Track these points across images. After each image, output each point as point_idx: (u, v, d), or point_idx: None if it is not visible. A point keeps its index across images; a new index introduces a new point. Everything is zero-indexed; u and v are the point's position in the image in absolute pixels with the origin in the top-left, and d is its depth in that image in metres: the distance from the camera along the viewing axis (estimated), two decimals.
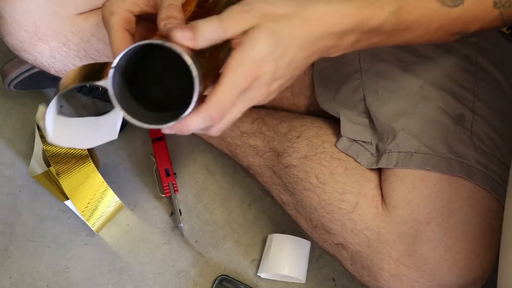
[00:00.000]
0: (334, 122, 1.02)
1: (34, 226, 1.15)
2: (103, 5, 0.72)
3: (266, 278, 1.12)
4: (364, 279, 0.93)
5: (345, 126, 0.98)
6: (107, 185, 1.09)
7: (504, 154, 0.93)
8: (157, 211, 1.18)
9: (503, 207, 0.87)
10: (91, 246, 1.14)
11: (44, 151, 1.14)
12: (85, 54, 0.99)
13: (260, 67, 0.66)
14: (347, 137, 0.97)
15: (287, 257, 1.10)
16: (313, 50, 0.70)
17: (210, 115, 0.64)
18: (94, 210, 1.10)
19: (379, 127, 0.96)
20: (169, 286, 1.12)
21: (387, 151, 0.93)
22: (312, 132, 1.00)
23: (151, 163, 1.20)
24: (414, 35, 0.78)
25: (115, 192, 1.10)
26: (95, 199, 1.09)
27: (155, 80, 0.70)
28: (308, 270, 1.12)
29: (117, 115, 0.71)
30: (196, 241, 1.15)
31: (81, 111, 1.24)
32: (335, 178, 0.95)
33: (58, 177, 1.07)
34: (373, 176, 0.95)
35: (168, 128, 0.65)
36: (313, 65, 1.09)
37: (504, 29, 1.01)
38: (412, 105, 0.95)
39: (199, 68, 0.63)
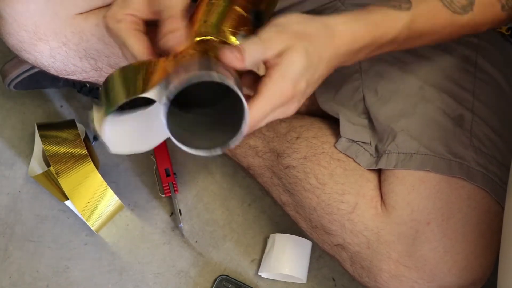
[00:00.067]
0: (333, 123, 1.02)
1: (34, 226, 1.15)
2: (104, 16, 0.72)
3: (266, 278, 1.12)
4: (364, 279, 0.93)
5: (344, 126, 0.98)
6: (107, 185, 1.09)
7: (503, 155, 0.93)
8: (157, 211, 1.18)
9: (502, 208, 0.87)
10: (91, 246, 1.15)
11: (44, 151, 1.14)
12: (85, 54, 0.99)
13: (295, 86, 0.68)
14: (347, 138, 0.97)
15: (288, 257, 1.10)
16: (333, 65, 0.73)
17: (245, 134, 0.66)
18: (94, 209, 1.10)
19: (379, 128, 0.96)
20: (169, 286, 1.12)
21: (386, 152, 0.93)
22: (311, 133, 1.00)
23: (151, 163, 1.20)
24: (425, 42, 0.82)
25: (115, 192, 1.10)
26: (94, 199, 1.09)
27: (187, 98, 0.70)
28: (309, 270, 1.12)
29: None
30: (196, 241, 1.15)
31: (81, 111, 1.24)
32: (334, 179, 0.95)
33: (58, 176, 1.07)
34: (373, 177, 0.95)
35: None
36: None
37: (503, 30, 1.01)
38: (411, 106, 0.95)
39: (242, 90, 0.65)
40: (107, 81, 0.67)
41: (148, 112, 0.72)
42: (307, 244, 1.11)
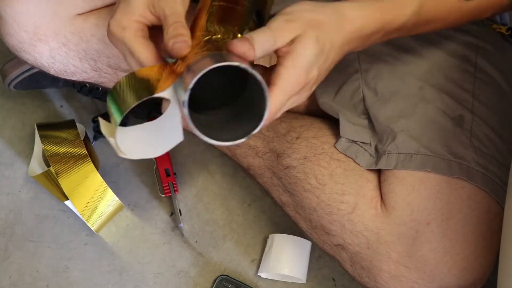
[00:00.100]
0: (333, 123, 1.02)
1: (34, 226, 1.15)
2: (108, 24, 0.71)
3: (266, 278, 1.12)
4: (364, 280, 0.93)
5: (344, 126, 0.98)
6: (106, 185, 1.09)
7: (503, 155, 0.93)
8: (157, 211, 1.18)
9: (502, 209, 0.87)
10: (91, 246, 1.15)
11: (44, 151, 1.14)
12: (84, 55, 0.99)
13: (308, 74, 0.68)
14: (346, 138, 0.97)
15: (288, 257, 1.10)
16: (344, 51, 0.74)
17: (266, 124, 0.67)
18: (94, 209, 1.10)
19: (379, 128, 0.96)
20: (169, 286, 1.12)
21: (386, 152, 0.93)
22: (311, 133, 1.00)
23: (151, 163, 1.20)
24: (432, 28, 0.83)
25: (115, 192, 1.10)
26: (94, 199, 1.09)
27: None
28: (308, 270, 1.12)
29: (174, 117, 0.71)
30: (196, 241, 1.15)
31: (81, 111, 1.24)
32: (334, 179, 0.95)
33: (57, 176, 1.07)
34: (372, 177, 0.95)
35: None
36: None
37: (503, 30, 1.01)
38: (411, 106, 0.95)
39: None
40: (115, 88, 0.67)
41: (158, 121, 0.72)
42: (307, 244, 1.11)
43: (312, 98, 1.08)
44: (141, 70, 0.69)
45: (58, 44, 0.97)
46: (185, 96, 0.64)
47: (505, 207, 0.77)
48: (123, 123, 0.67)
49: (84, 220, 1.10)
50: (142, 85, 0.67)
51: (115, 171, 1.20)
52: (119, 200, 1.11)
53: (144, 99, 0.65)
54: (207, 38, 0.72)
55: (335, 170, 0.96)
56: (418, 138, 0.92)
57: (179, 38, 0.67)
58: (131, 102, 0.65)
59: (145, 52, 0.70)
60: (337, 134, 0.99)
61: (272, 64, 0.72)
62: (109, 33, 0.72)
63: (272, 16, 0.72)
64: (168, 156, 1.19)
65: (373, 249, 0.91)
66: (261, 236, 1.16)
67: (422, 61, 0.98)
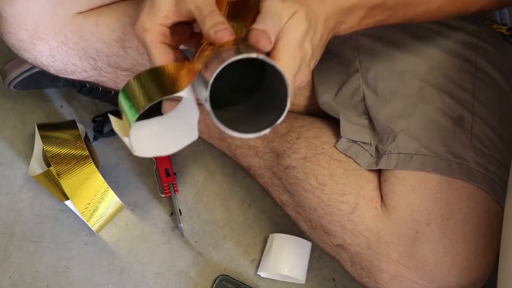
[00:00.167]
0: (333, 123, 1.01)
1: (34, 226, 1.15)
2: (135, 23, 0.72)
3: (266, 278, 1.12)
4: (364, 280, 0.93)
5: (344, 126, 0.98)
6: (108, 186, 1.09)
7: (503, 155, 0.92)
8: (157, 211, 1.18)
9: (502, 209, 0.87)
10: (91, 246, 1.14)
11: (44, 151, 1.14)
12: (84, 53, 0.99)
13: (302, 49, 0.69)
14: (347, 138, 0.97)
15: (287, 257, 1.10)
16: (329, 27, 0.74)
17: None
18: (95, 210, 1.10)
19: (379, 128, 0.96)
20: (169, 286, 1.12)
21: (386, 152, 0.93)
22: (311, 133, 1.00)
23: (151, 163, 1.20)
24: (417, 13, 0.82)
25: (115, 192, 1.10)
26: (95, 200, 1.09)
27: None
28: (308, 270, 1.12)
29: (188, 114, 0.71)
30: (196, 241, 1.15)
31: (81, 111, 1.24)
32: (334, 179, 0.95)
33: (59, 177, 1.07)
34: (373, 177, 0.95)
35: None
36: None
37: (503, 30, 1.01)
38: (411, 106, 0.95)
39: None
40: (129, 86, 0.67)
41: (170, 117, 0.73)
42: (307, 244, 1.11)
43: (312, 98, 1.08)
44: (159, 67, 0.69)
45: (58, 43, 0.97)
46: (206, 92, 0.65)
47: (505, 207, 0.77)
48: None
49: (85, 221, 1.10)
50: (159, 84, 0.67)
51: (115, 171, 1.20)
52: (120, 201, 1.11)
53: (161, 98, 0.66)
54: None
55: (336, 170, 0.96)
56: (418, 138, 0.92)
57: (220, 26, 0.67)
58: (147, 101, 0.65)
59: (161, 59, 0.71)
60: (337, 134, 0.99)
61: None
62: (134, 33, 0.73)
63: None
64: (168, 156, 1.19)
65: (373, 249, 0.91)
66: (261, 236, 1.16)
67: (422, 61, 0.98)
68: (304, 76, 0.73)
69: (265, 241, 1.15)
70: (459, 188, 0.89)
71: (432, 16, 0.85)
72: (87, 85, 1.15)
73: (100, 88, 1.15)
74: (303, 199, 0.98)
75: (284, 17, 0.69)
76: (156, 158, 1.18)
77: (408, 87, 0.97)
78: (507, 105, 0.97)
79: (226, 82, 0.72)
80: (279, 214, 1.16)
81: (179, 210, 1.16)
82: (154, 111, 1.17)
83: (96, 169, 1.09)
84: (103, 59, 1.00)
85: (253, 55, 0.64)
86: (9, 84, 1.18)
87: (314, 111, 1.09)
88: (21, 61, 1.13)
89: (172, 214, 1.17)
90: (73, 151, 1.09)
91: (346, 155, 0.97)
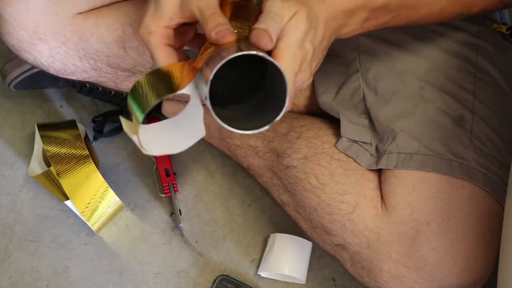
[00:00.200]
0: (334, 123, 1.02)
1: (34, 226, 1.15)
2: (139, 25, 0.73)
3: (266, 278, 1.12)
4: (364, 279, 0.93)
5: (345, 126, 0.98)
6: (108, 186, 1.09)
7: (504, 155, 0.92)
8: (157, 211, 1.17)
9: (503, 208, 0.87)
10: (91, 246, 1.14)
11: (44, 151, 1.14)
12: (84, 54, 0.99)
13: (302, 49, 0.70)
14: (347, 138, 0.97)
15: (288, 257, 1.10)
16: (331, 29, 0.74)
17: (287, 107, 0.68)
18: (94, 210, 1.10)
19: (379, 128, 0.96)
20: (169, 286, 1.12)
21: (387, 152, 0.93)
22: (311, 133, 1.00)
23: (151, 163, 1.20)
24: (419, 15, 0.82)
25: (115, 192, 1.10)
26: (95, 200, 1.09)
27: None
28: (309, 270, 1.12)
29: (195, 113, 0.74)
30: (196, 241, 1.15)
31: (81, 111, 1.24)
32: (334, 179, 0.95)
33: (59, 177, 1.07)
34: (373, 177, 0.95)
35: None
36: None
37: (503, 30, 1.01)
38: (412, 106, 0.95)
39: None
40: (136, 86, 0.69)
41: (179, 117, 0.74)
42: (307, 244, 1.11)
43: (313, 98, 1.08)
44: (162, 68, 0.70)
45: (57, 43, 0.97)
46: (206, 88, 0.66)
47: (505, 206, 0.77)
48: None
49: (85, 221, 1.10)
50: (163, 82, 0.68)
51: (115, 171, 1.20)
52: (119, 200, 1.11)
53: (166, 96, 0.67)
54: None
55: (336, 170, 0.96)
56: (419, 138, 0.92)
57: (221, 27, 0.68)
58: (153, 99, 0.67)
59: (165, 61, 0.72)
60: (337, 134, 0.99)
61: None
62: (140, 35, 0.74)
63: None
64: (168, 156, 1.19)
65: (373, 249, 0.91)
66: (261, 236, 1.16)
67: (423, 61, 0.98)
68: (306, 77, 0.73)
69: (265, 241, 1.15)
70: (460, 188, 0.89)
71: (434, 18, 0.85)
72: (87, 85, 1.15)
73: (100, 88, 1.15)
74: (303, 198, 0.98)
75: (285, 17, 0.69)
76: (156, 158, 1.18)
77: (408, 87, 0.97)
78: (507, 105, 0.97)
79: (228, 82, 0.73)
80: (279, 214, 1.16)
81: (179, 210, 1.16)
82: (154, 112, 1.17)
83: (96, 169, 1.09)
84: (103, 60, 1.00)
85: (253, 52, 0.65)
86: (9, 84, 1.18)
87: (314, 111, 1.09)
88: (21, 61, 1.13)
89: (172, 214, 1.17)
90: (73, 151, 1.09)
91: (347, 154, 0.97)
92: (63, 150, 1.09)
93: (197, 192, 1.19)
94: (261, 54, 0.65)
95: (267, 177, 1.06)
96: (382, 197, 0.93)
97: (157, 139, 0.74)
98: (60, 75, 1.02)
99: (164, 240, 1.15)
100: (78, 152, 1.09)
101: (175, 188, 1.17)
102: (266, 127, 0.68)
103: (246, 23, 0.74)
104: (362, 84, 1.00)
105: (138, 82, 0.69)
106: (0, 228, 1.15)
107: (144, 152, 0.72)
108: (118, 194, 1.11)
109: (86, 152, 1.09)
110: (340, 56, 1.05)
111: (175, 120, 0.75)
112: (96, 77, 1.04)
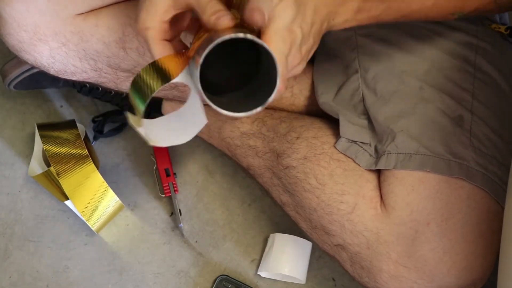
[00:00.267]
0: (333, 123, 1.02)
1: (34, 226, 1.16)
2: (136, 20, 0.74)
3: (266, 278, 1.12)
4: (364, 280, 0.93)
5: (344, 127, 0.98)
6: (107, 185, 1.09)
7: (503, 155, 0.92)
8: (157, 211, 1.18)
9: (502, 208, 0.87)
10: (91, 246, 1.15)
11: (44, 151, 1.14)
12: (84, 54, 0.99)
13: (291, 31, 0.70)
14: (346, 138, 0.97)
15: (288, 257, 1.10)
16: (321, 15, 0.74)
17: (280, 90, 0.69)
18: (94, 210, 1.10)
19: (378, 129, 0.96)
20: (169, 286, 1.12)
21: (386, 152, 0.93)
22: (311, 133, 1.00)
23: (151, 163, 1.20)
24: (411, 9, 0.82)
25: (115, 192, 1.10)
26: (95, 199, 1.09)
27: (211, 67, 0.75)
28: (308, 270, 1.12)
29: (196, 104, 0.76)
30: (196, 241, 1.15)
31: (81, 111, 1.24)
32: (334, 179, 0.95)
33: (58, 177, 1.07)
34: (372, 177, 0.95)
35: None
36: (313, 65, 1.09)
37: (502, 30, 1.01)
38: (411, 107, 0.95)
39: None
40: (135, 80, 0.71)
41: (182, 110, 0.77)
42: (307, 244, 1.11)
43: (312, 98, 1.09)
44: (158, 60, 0.72)
45: (58, 44, 0.97)
46: (197, 72, 0.67)
47: (505, 207, 0.77)
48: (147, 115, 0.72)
49: (85, 220, 1.10)
50: (158, 73, 0.70)
51: (115, 171, 1.20)
52: (119, 200, 1.11)
53: (161, 86, 0.69)
54: None
55: (335, 170, 0.96)
56: (418, 138, 0.92)
57: (220, 13, 0.69)
58: (150, 91, 0.69)
59: (160, 54, 0.73)
60: (337, 134, 0.99)
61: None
62: (137, 31, 0.75)
63: None
64: (168, 156, 1.19)
65: (372, 249, 0.91)
66: (261, 236, 1.16)
67: (422, 61, 0.98)
68: (296, 61, 0.73)
69: (265, 241, 1.15)
70: (459, 188, 0.89)
71: (428, 14, 0.85)
72: (87, 85, 1.15)
73: (100, 88, 1.15)
74: (303, 199, 0.98)
75: (274, 1, 0.70)
76: (156, 158, 1.18)
77: (408, 87, 0.97)
78: (507, 105, 0.97)
79: (225, 73, 0.76)
80: (279, 214, 1.16)
81: (179, 210, 1.16)
82: (155, 112, 1.17)
83: (96, 169, 1.09)
84: (103, 60, 1.00)
85: (241, 35, 0.66)
86: (9, 84, 1.18)
87: (314, 111, 1.09)
88: (21, 61, 1.13)
89: (172, 214, 1.17)
90: (73, 151, 1.09)
91: (346, 155, 0.97)
92: (63, 150, 1.09)
93: (197, 192, 1.19)
94: (249, 37, 0.66)
95: (267, 177, 1.06)
96: (381, 197, 0.93)
97: (162, 131, 0.77)
98: (60, 76, 1.02)
99: (164, 240, 1.15)
100: (78, 152, 1.09)
101: (175, 188, 1.17)
102: (259, 109, 0.69)
103: (239, 12, 0.76)
104: (362, 84, 1.00)
105: (137, 75, 0.71)
106: (0, 228, 1.15)
107: (151, 143, 0.74)
108: (118, 194, 1.11)
109: (86, 152, 1.09)
110: (339, 57, 1.05)
111: (178, 113, 0.77)
112: (96, 78, 1.04)
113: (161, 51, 0.74)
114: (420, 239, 0.88)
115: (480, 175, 0.90)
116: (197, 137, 1.21)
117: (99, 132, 1.21)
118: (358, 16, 0.79)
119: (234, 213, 1.18)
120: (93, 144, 1.21)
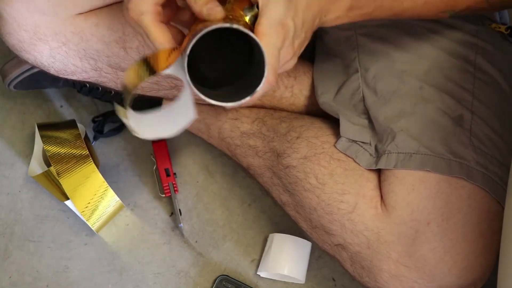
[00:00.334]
0: (333, 123, 1.02)
1: (34, 226, 1.15)
2: (125, 7, 0.73)
3: (266, 278, 1.12)
4: (364, 280, 0.93)
5: (344, 126, 0.98)
6: (108, 185, 1.09)
7: (504, 155, 0.93)
8: (157, 211, 1.18)
9: (502, 208, 0.87)
10: (91, 246, 1.14)
11: (44, 151, 1.14)
12: (84, 54, 0.99)
13: (283, 25, 0.71)
14: (347, 138, 0.97)
15: (287, 257, 1.10)
16: (313, 10, 0.75)
17: (271, 82, 0.70)
18: (94, 210, 1.10)
19: (379, 128, 0.96)
20: (169, 286, 1.12)
21: (386, 152, 0.93)
22: (311, 133, 1.00)
23: (151, 163, 1.20)
24: (403, 7, 0.83)
25: (115, 192, 1.10)
26: (95, 199, 1.09)
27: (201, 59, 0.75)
28: (308, 270, 1.12)
29: (187, 99, 0.76)
30: (196, 241, 1.15)
31: (81, 111, 1.24)
32: (334, 179, 0.95)
33: (59, 177, 1.07)
34: (372, 177, 0.95)
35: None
36: (313, 65, 1.09)
37: (503, 29, 1.01)
38: (411, 106, 0.95)
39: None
40: (127, 72, 0.71)
41: (172, 105, 0.77)
42: (307, 244, 1.11)
43: (312, 98, 1.09)
44: (151, 53, 0.72)
45: (58, 44, 0.97)
46: (184, 62, 0.68)
47: (505, 206, 0.77)
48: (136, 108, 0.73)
49: (85, 220, 1.10)
50: (148, 65, 0.71)
51: (115, 171, 1.20)
52: (119, 200, 1.11)
53: (148, 78, 0.69)
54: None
55: (335, 169, 0.96)
56: (418, 138, 0.92)
57: (210, 4, 0.70)
58: (136, 81, 0.70)
59: (161, 38, 0.72)
60: (337, 133, 0.99)
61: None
62: (128, 17, 0.73)
63: None
64: (168, 156, 1.19)
65: (373, 249, 0.91)
66: (261, 236, 1.16)
67: (422, 61, 0.98)
68: (289, 55, 0.74)
69: (265, 241, 1.15)
70: (459, 188, 0.89)
71: (420, 12, 0.86)
72: (87, 85, 1.15)
73: (100, 88, 1.15)
74: (303, 198, 0.98)
75: None
76: (156, 158, 1.18)
77: (408, 87, 0.97)
78: (507, 105, 0.97)
79: (219, 68, 0.77)
80: (279, 214, 1.16)
81: (179, 210, 1.16)
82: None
83: (96, 168, 1.09)
84: (103, 60, 1.00)
85: (227, 25, 0.67)
86: (9, 84, 1.18)
87: (314, 111, 1.09)
88: (21, 61, 1.13)
89: (172, 214, 1.17)
90: (73, 151, 1.09)
91: (346, 154, 0.97)
92: (63, 150, 1.09)
93: (197, 192, 1.19)
94: (235, 26, 0.67)
95: (267, 177, 1.06)
96: (381, 197, 0.93)
97: (149, 124, 0.76)
98: (61, 75, 1.02)
99: (164, 240, 1.15)
100: (78, 152, 1.09)
101: (175, 188, 1.17)
102: (248, 98, 0.70)
103: (231, 7, 0.76)
104: (362, 84, 1.00)
105: (129, 67, 0.71)
106: (0, 228, 1.15)
107: (135, 135, 0.74)
108: (118, 194, 1.11)
109: (86, 151, 1.09)
110: (339, 56, 1.05)
111: (168, 107, 0.78)
112: (96, 77, 1.04)
113: (159, 34, 0.72)
114: (421, 238, 0.88)
115: (480, 175, 0.90)
116: (197, 137, 1.21)
117: (99, 132, 1.21)
118: (350, 13, 0.80)
119: (234, 213, 1.18)
120: (93, 144, 1.21)
